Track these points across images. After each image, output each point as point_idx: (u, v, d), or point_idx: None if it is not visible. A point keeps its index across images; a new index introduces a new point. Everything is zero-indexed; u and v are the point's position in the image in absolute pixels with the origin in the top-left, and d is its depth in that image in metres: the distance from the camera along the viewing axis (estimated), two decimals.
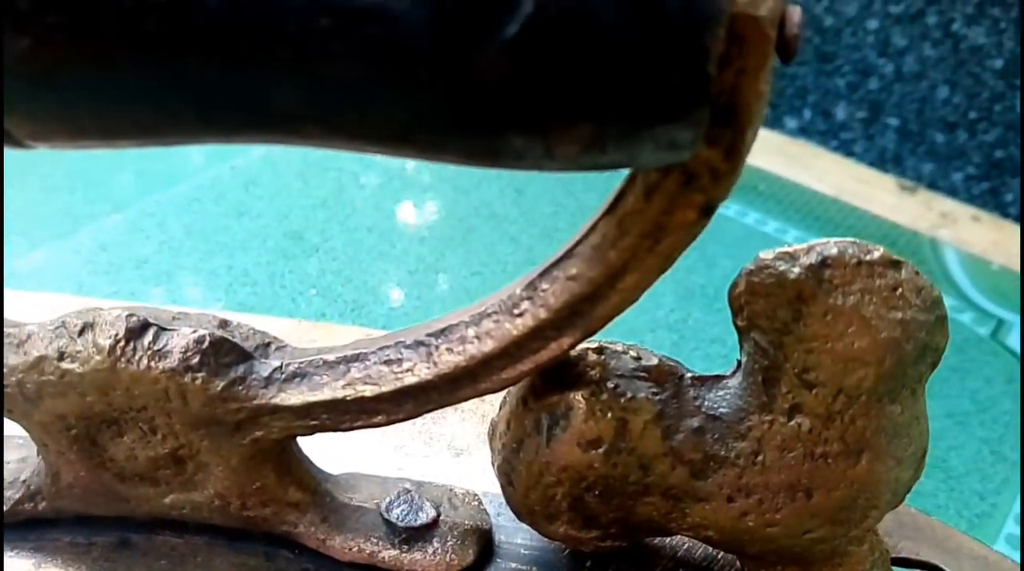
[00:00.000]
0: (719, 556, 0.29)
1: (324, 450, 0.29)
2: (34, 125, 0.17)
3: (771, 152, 0.73)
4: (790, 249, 0.21)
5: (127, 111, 0.17)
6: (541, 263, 0.22)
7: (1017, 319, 0.61)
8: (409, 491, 0.28)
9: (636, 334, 0.61)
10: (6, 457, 0.29)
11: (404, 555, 0.28)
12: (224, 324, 0.25)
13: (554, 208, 0.72)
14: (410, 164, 0.73)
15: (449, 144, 0.17)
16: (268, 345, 0.25)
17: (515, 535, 0.29)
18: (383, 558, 0.28)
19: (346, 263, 0.66)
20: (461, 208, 0.71)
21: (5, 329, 0.25)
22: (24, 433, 0.30)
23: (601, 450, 0.24)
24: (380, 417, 0.24)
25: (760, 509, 0.24)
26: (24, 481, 0.28)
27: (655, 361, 0.24)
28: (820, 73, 0.72)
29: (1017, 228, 0.67)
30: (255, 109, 0.17)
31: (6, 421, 0.29)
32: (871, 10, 0.67)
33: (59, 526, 0.29)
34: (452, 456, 0.32)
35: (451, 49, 0.15)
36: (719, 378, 0.24)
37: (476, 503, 0.29)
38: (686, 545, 0.29)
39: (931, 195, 0.70)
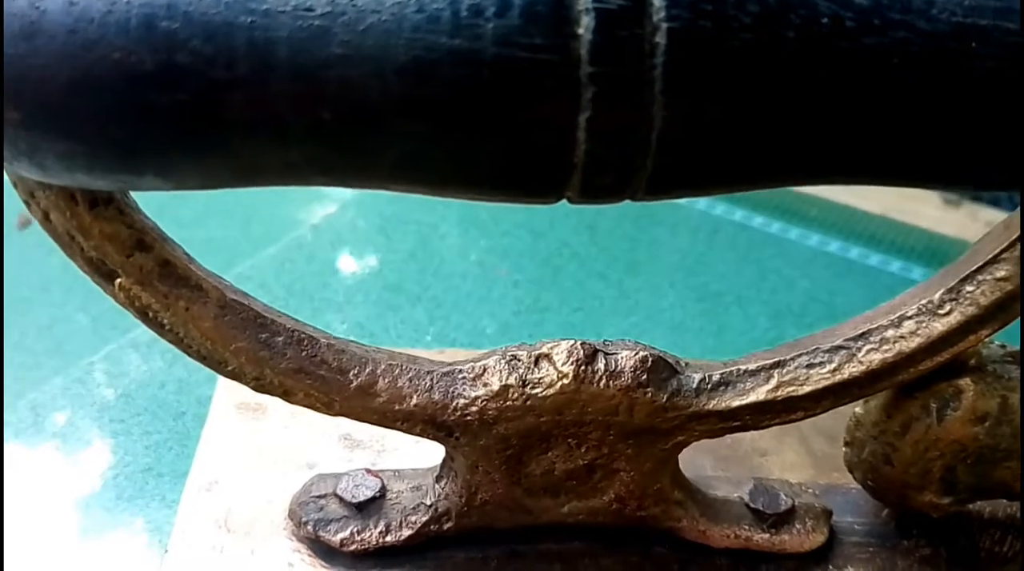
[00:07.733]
0: (1018, 515, 0.34)
1: None
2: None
3: None
4: None
5: None
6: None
7: None
8: (762, 483, 0.33)
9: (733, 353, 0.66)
10: (396, 488, 0.32)
11: (774, 537, 0.32)
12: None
13: (629, 242, 0.76)
14: (484, 212, 0.77)
15: None
16: (678, 361, 0.29)
17: (843, 515, 0.34)
18: (757, 541, 0.32)
19: (451, 309, 0.69)
20: (543, 250, 0.74)
21: (456, 367, 0.29)
22: (404, 465, 0.33)
23: (987, 424, 0.28)
24: (799, 413, 0.29)
25: None
26: (430, 506, 0.31)
27: (1016, 348, 0.29)
28: None
29: None
30: None
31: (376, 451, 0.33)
32: None
33: (451, 545, 0.32)
34: (759, 456, 0.36)
35: None
36: None
37: (810, 491, 0.33)
38: (988, 508, 0.34)
39: (975, 207, 0.76)
